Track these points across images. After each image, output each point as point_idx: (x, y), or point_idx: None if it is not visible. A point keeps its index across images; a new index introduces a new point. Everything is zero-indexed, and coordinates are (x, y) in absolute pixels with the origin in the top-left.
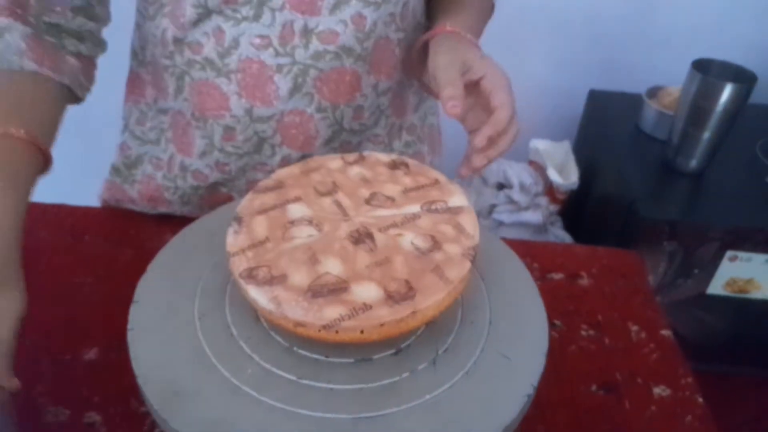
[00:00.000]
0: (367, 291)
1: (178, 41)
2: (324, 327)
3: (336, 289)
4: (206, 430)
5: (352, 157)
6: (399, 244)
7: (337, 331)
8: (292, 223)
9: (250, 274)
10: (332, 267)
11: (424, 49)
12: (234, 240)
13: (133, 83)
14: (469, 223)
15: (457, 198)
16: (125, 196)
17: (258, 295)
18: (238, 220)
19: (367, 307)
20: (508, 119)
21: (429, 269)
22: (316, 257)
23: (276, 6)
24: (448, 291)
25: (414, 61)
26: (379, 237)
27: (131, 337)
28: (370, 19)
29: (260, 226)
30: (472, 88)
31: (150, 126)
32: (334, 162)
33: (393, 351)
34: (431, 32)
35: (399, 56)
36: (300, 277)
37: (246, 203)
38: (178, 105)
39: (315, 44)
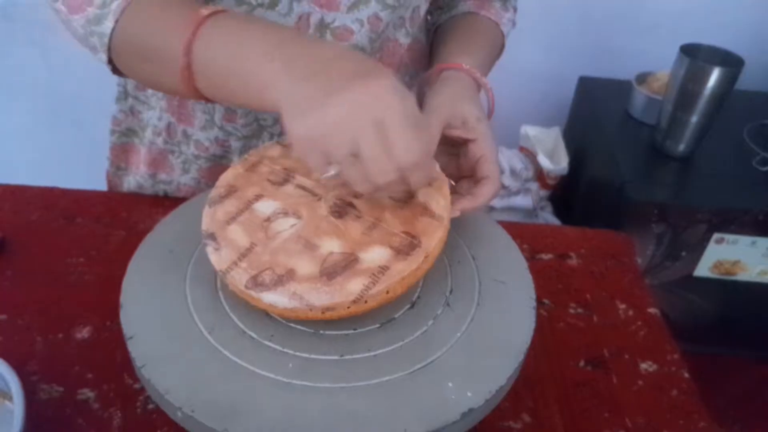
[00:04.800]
0: (376, 254)
1: None
2: (354, 302)
3: (348, 264)
4: (218, 410)
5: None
6: (380, 203)
7: (366, 301)
8: (269, 219)
9: (256, 282)
10: (332, 246)
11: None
12: (219, 257)
13: None
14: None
15: None
16: (130, 161)
17: (275, 298)
18: (212, 236)
19: (384, 268)
20: (491, 196)
21: (418, 214)
22: (311, 242)
23: None
24: (444, 226)
25: (423, 86)
26: (358, 203)
27: (124, 318)
28: (384, 22)
29: (238, 234)
30: (457, 143)
31: (151, 91)
32: (274, 150)
33: (409, 305)
34: (446, 64)
35: (407, 59)
36: (307, 265)
37: (208, 219)
38: None
39: (328, 39)
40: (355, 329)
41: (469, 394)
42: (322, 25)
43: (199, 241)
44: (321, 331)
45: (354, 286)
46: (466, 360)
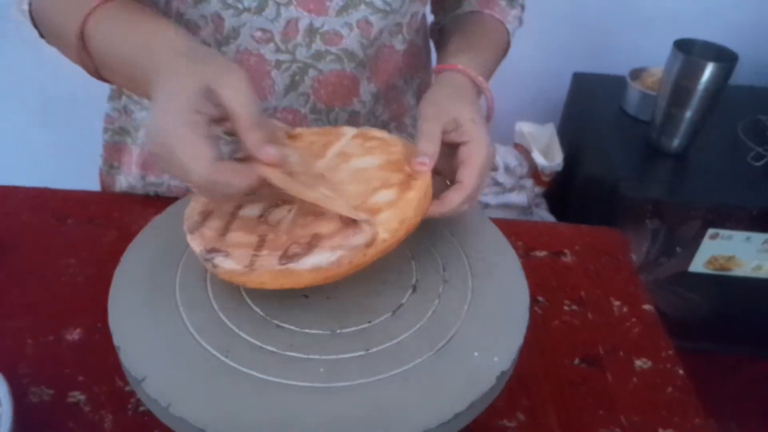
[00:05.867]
0: (384, 195)
1: (179, 15)
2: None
3: (365, 209)
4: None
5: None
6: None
7: (398, 228)
8: (263, 216)
9: (289, 256)
10: (339, 207)
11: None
12: (236, 260)
13: None
14: (386, 135)
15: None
16: (122, 160)
17: (318, 258)
18: (214, 250)
19: (399, 198)
20: (459, 203)
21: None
22: (318, 212)
23: (282, 1)
24: (428, 173)
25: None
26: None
27: (128, 361)
28: (377, 27)
29: (241, 237)
30: (453, 145)
31: None
32: None
33: (411, 290)
34: (440, 66)
35: (402, 64)
36: (327, 225)
37: (198, 241)
38: None
39: (317, 44)
40: (370, 321)
41: (495, 359)
42: (311, 30)
43: (177, 265)
44: (338, 330)
45: (384, 216)
46: (481, 329)
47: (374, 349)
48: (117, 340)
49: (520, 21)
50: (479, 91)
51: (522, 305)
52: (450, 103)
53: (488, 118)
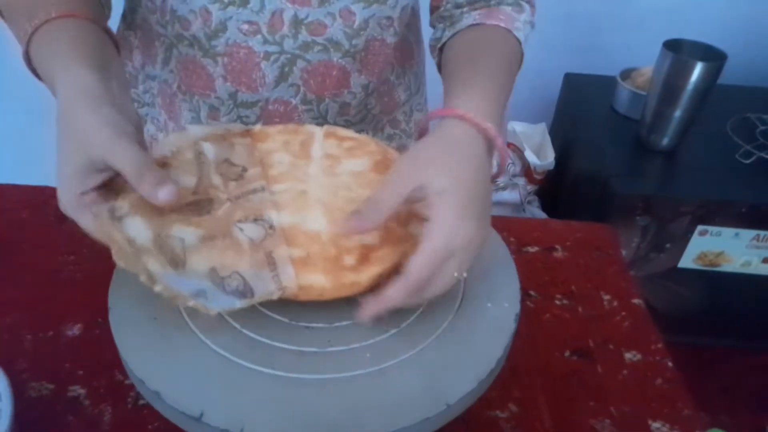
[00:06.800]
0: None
1: (173, 11)
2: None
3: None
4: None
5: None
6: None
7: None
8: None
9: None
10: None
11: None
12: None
13: (121, 46)
14: (354, 133)
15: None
16: None
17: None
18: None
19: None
20: (398, 297)
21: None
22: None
23: None
24: None
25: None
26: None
27: (172, 400)
28: (360, 16)
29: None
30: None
31: (143, 89)
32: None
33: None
34: (441, 111)
35: (394, 59)
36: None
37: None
38: (164, 75)
39: (304, 35)
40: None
41: (506, 305)
42: (297, 21)
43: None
44: (295, 322)
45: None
46: (482, 283)
47: (404, 324)
48: (154, 386)
49: (532, 25)
50: (489, 140)
51: (506, 253)
52: (424, 165)
53: (498, 173)
